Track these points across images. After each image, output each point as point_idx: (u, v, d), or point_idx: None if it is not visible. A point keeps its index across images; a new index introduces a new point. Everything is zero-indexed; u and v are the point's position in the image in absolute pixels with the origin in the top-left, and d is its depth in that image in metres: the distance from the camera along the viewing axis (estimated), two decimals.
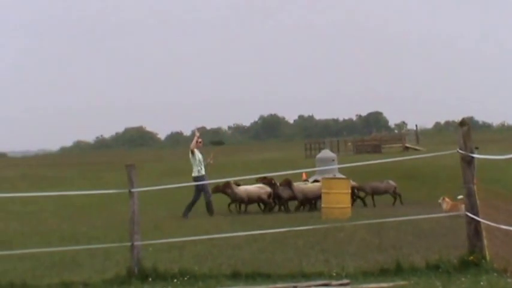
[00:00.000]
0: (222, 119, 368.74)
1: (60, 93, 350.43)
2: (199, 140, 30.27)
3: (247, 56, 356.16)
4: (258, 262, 15.63)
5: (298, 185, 29.37)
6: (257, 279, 14.23)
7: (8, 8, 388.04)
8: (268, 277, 14.32)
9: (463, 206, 24.56)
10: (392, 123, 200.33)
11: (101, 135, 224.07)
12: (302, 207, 29.56)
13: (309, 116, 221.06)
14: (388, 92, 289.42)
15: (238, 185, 29.50)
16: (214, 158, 31.61)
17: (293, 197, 29.36)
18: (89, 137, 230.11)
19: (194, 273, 14.69)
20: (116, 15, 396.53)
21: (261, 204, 29.84)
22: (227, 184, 28.84)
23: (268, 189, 29.17)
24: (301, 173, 36.03)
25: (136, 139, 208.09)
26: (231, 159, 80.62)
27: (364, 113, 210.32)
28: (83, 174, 69.07)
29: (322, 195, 27.07)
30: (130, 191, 15.35)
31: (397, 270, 14.20)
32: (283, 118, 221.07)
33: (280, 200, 29.59)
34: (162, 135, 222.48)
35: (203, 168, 29.37)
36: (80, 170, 77.36)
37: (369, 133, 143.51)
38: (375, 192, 30.55)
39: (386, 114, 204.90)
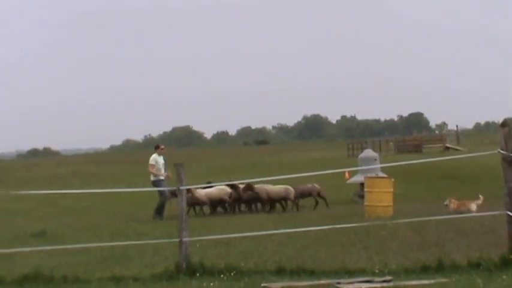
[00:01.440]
0: (266, 119, 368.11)
1: (109, 93, 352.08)
2: (162, 146, 30.46)
3: (291, 56, 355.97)
4: (301, 258, 15.61)
5: (262, 186, 29.29)
6: (301, 275, 14.20)
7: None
8: (312, 273, 14.29)
9: (472, 205, 25.33)
10: (433, 123, 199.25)
11: (149, 134, 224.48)
12: (268, 207, 29.74)
13: (351, 117, 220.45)
14: (429, 93, 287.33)
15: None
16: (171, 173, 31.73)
17: (254, 198, 29.48)
18: (138, 136, 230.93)
19: (240, 268, 14.69)
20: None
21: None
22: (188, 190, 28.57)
23: (228, 190, 29.24)
24: (344, 172, 35.98)
25: (183, 138, 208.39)
26: (276, 159, 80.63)
27: (405, 114, 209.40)
28: (132, 172, 69.34)
29: (365, 194, 27.06)
30: (178, 189, 15.40)
31: (439, 268, 14.12)
32: (326, 118, 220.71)
33: (240, 201, 29.87)
34: (208, 135, 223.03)
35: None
36: (129, 168, 77.67)
37: (410, 133, 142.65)
38: (300, 196, 30.08)
39: (428, 115, 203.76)
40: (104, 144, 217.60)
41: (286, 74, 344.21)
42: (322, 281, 13.30)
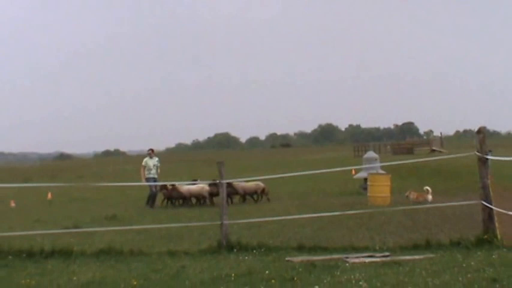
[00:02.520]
0: (289, 127, 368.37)
1: (167, 104, 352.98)
2: (150, 151, 30.92)
3: (309, 76, 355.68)
4: (317, 238, 15.60)
5: (238, 184, 29.13)
6: (317, 251, 14.18)
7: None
8: (325, 249, 14.27)
9: (428, 196, 25.47)
10: (422, 130, 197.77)
11: (197, 139, 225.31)
12: (243, 199, 29.67)
13: (356, 125, 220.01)
14: (418, 106, 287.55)
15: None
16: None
17: (233, 193, 29.14)
18: (187, 140, 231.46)
19: (268, 246, 14.70)
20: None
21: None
22: (173, 187, 29.26)
23: (207, 188, 29.02)
24: (351, 169, 35.94)
25: (223, 142, 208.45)
26: (296, 159, 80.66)
27: (399, 123, 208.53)
28: (181, 169, 69.50)
29: (368, 187, 27.15)
30: (220, 182, 15.44)
31: (427, 246, 14.09)
32: (337, 126, 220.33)
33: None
34: (243, 139, 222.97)
35: (152, 172, 29.97)
36: (180, 166, 77.89)
37: (403, 139, 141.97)
38: (246, 192, 29.76)
39: (417, 124, 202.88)
40: (161, 146, 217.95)
41: (305, 90, 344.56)
42: (334, 256, 13.28)
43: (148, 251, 14.73)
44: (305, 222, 18.68)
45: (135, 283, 11.05)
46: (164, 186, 29.41)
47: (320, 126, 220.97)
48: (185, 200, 29.53)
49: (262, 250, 14.37)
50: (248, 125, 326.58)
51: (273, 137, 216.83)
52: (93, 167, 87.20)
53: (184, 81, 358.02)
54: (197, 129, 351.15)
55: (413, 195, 25.81)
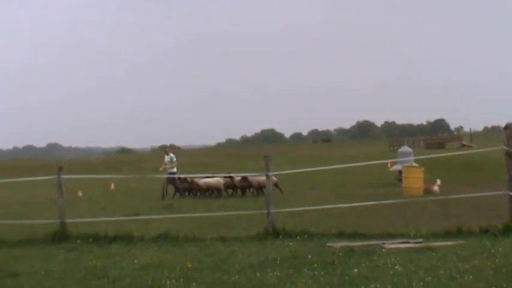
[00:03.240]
0: (330, 123, 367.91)
1: (216, 101, 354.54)
2: (166, 149, 33.90)
3: (346, 75, 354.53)
4: (356, 225, 15.51)
5: (253, 178, 29.26)
6: (356, 237, 14.17)
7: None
8: (364, 236, 14.25)
9: (435, 187, 26.15)
10: (452, 127, 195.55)
11: (245, 134, 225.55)
12: (256, 191, 29.63)
13: (392, 122, 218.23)
14: (449, 104, 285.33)
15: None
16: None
17: (247, 186, 29.66)
18: (236, 136, 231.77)
19: (311, 232, 14.70)
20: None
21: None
22: (192, 180, 30.01)
23: (222, 181, 29.75)
24: (387, 162, 35.74)
25: (269, 137, 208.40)
26: (336, 153, 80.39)
27: (432, 120, 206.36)
28: (231, 162, 69.72)
29: (403, 179, 27.11)
30: (267, 175, 15.47)
31: (458, 233, 14.01)
32: (373, 123, 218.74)
33: (235, 188, 30.16)
34: (287, 135, 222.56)
35: (168, 167, 31.12)
36: (229, 159, 78.16)
37: (435, 134, 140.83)
38: (261, 186, 29.01)
39: (448, 121, 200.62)
40: (212, 142, 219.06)
41: (344, 89, 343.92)
42: (372, 242, 13.26)
43: (202, 236, 14.82)
44: (344, 211, 18.65)
45: (189, 266, 11.13)
46: (184, 179, 30.05)
47: (358, 122, 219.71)
48: (202, 191, 29.99)
49: (305, 236, 14.39)
50: (292, 120, 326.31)
51: (314, 132, 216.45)
52: (151, 160, 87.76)
53: (238, 83, 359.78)
54: (245, 124, 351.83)
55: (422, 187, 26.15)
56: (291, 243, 13.58)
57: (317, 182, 32.92)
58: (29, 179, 30.18)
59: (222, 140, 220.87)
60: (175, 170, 30.57)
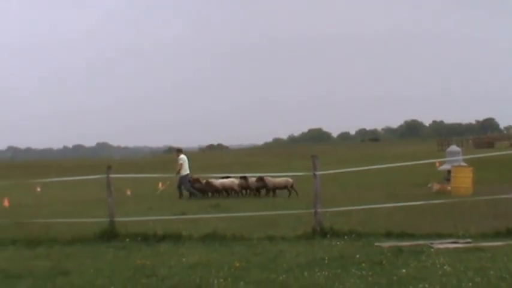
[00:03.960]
0: (378, 122, 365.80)
1: (262, 103, 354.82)
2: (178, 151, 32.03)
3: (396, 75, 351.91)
4: (404, 225, 15.41)
5: (269, 179, 29.27)
6: (404, 237, 14.08)
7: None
8: (412, 236, 14.15)
9: (448, 187, 26.32)
10: (502, 126, 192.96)
11: (292, 134, 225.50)
12: (271, 192, 29.34)
13: (440, 121, 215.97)
14: (498, 103, 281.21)
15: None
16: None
17: (262, 187, 29.49)
18: (283, 135, 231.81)
19: (359, 232, 14.65)
20: None
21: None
22: (207, 182, 30.16)
23: (236, 181, 29.87)
24: (435, 162, 35.39)
25: (316, 137, 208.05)
26: (384, 152, 79.86)
27: (480, 119, 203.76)
28: (278, 161, 69.81)
29: (452, 178, 26.90)
30: (314, 174, 15.44)
31: (507, 233, 13.86)
32: (421, 122, 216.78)
33: (249, 189, 30.01)
34: (334, 134, 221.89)
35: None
36: (276, 159, 78.24)
37: (484, 133, 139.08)
38: (276, 187, 29.31)
39: (498, 120, 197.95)
40: (259, 141, 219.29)
41: (392, 89, 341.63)
42: (420, 242, 13.16)
43: (249, 236, 14.86)
44: (392, 210, 18.51)
45: (237, 265, 11.18)
46: (197, 180, 30.27)
47: (406, 122, 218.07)
48: (218, 192, 30.13)
49: (353, 236, 14.35)
50: (339, 120, 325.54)
51: (362, 132, 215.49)
52: (199, 160, 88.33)
53: (285, 83, 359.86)
54: (293, 124, 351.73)
55: (436, 186, 26.68)
56: (338, 243, 13.55)
57: (365, 182, 32.75)
58: (79, 178, 30.85)
59: (269, 139, 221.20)
60: (183, 172, 30.40)
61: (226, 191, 30.06)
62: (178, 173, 30.09)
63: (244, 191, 30.13)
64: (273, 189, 29.31)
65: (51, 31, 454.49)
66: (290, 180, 29.13)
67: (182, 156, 30.73)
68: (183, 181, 29.87)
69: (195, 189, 29.95)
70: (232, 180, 29.92)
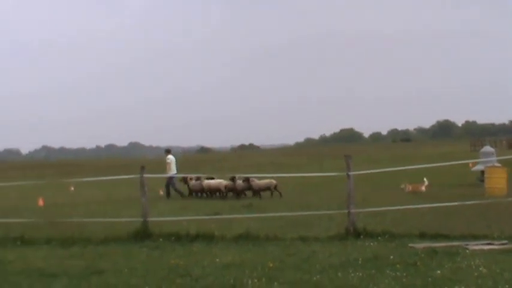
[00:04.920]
0: (410, 123, 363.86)
1: (293, 102, 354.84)
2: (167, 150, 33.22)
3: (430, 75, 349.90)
4: (438, 226, 15.32)
5: (253, 180, 29.47)
6: (438, 238, 13.99)
7: None
8: (446, 237, 14.06)
9: (422, 187, 26.71)
10: None
11: (324, 134, 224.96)
12: (258, 194, 29.36)
13: (472, 121, 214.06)
14: None
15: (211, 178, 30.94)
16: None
17: (247, 188, 29.63)
18: (315, 135, 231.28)
19: (392, 233, 14.59)
20: None
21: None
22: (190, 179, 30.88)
23: (224, 183, 29.78)
24: (469, 163, 35.07)
25: (347, 137, 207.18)
26: (416, 152, 79.37)
27: None
28: (310, 162, 69.68)
29: (486, 179, 26.67)
30: (348, 174, 15.39)
31: None
32: (454, 122, 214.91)
33: (235, 190, 29.87)
34: (366, 134, 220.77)
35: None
36: (308, 159, 78.08)
37: None
38: (260, 189, 29.39)
39: None
40: (291, 141, 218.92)
41: (424, 88, 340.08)
42: (454, 243, 13.06)
43: (282, 236, 14.85)
44: (426, 211, 18.39)
45: (271, 265, 11.18)
46: (186, 180, 31.04)
47: (438, 122, 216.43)
48: (203, 192, 30.65)
49: (386, 237, 14.30)
50: (371, 120, 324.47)
51: (394, 132, 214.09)
52: (231, 160, 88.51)
53: (316, 83, 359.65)
54: (324, 123, 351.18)
55: (408, 187, 27.09)
56: (372, 244, 13.50)
57: (397, 182, 32.51)
58: (113, 178, 31.04)
59: (301, 139, 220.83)
60: (170, 172, 31.28)
61: (212, 191, 30.46)
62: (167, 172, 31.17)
63: (230, 193, 30.36)
64: (257, 191, 29.62)
65: (80, 32, 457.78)
66: (274, 181, 29.54)
67: (170, 156, 31.92)
68: (169, 181, 30.91)
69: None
70: (220, 181, 30.16)
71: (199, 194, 30.72)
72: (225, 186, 29.73)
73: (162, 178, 30.86)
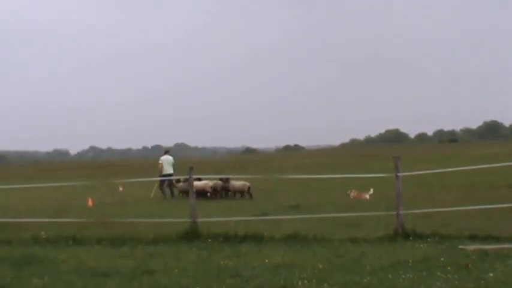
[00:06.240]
0: (455, 123, 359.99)
1: (344, 100, 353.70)
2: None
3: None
4: (489, 228, 15.10)
5: (231, 182, 30.36)
6: (489, 240, 13.81)
7: None
8: (497, 239, 13.89)
9: (366, 195, 26.57)
10: None
11: (369, 135, 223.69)
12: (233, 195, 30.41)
13: None
14: None
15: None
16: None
17: (227, 189, 30.42)
18: (360, 136, 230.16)
19: (442, 234, 14.45)
20: None
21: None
22: (178, 180, 31.17)
23: (210, 184, 30.33)
24: None
25: (393, 137, 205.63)
26: (463, 153, 78.45)
27: None
28: (354, 163, 69.31)
29: None
30: (396, 175, 15.28)
31: None
32: (501, 123, 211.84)
33: (228, 191, 30.69)
34: (412, 135, 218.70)
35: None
36: (353, 160, 77.68)
37: None
38: (236, 190, 30.23)
39: None
40: (336, 142, 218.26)
41: (471, 88, 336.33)
42: (505, 245, 12.87)
43: (330, 237, 14.81)
44: (475, 212, 18.08)
45: (320, 266, 11.15)
46: (178, 181, 31.34)
47: (485, 122, 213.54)
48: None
49: (436, 238, 14.16)
50: (416, 121, 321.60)
51: (440, 133, 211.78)
52: (276, 160, 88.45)
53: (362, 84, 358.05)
54: (369, 125, 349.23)
55: (353, 194, 26.98)
56: (421, 245, 13.38)
57: (444, 183, 32.15)
58: (161, 178, 31.24)
59: (346, 140, 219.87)
60: (163, 172, 32.25)
61: (199, 193, 30.46)
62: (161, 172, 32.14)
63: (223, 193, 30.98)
64: (233, 192, 30.43)
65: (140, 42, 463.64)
66: (247, 183, 30.20)
67: (163, 157, 32.81)
68: (163, 180, 31.66)
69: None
70: (206, 183, 30.53)
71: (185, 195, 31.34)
72: (211, 187, 30.42)
73: (215, 178, 31.14)
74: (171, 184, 32.02)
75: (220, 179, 30.30)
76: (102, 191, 37.69)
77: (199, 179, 30.43)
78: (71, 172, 77.39)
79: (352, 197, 26.69)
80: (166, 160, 32.43)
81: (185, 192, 30.99)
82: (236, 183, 30.27)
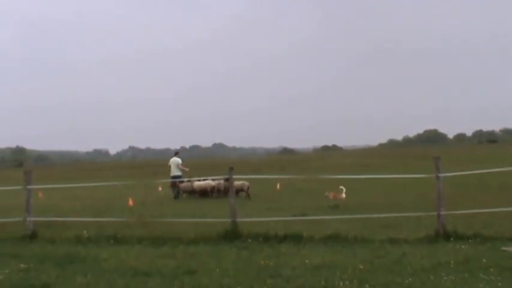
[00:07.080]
0: (495, 124, 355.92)
1: (378, 106, 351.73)
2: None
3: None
4: None
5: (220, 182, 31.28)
6: None
7: None
8: None
9: (342, 195, 26.31)
10: None
11: (407, 135, 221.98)
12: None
13: None
14: None
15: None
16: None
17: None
18: (399, 136, 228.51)
19: (483, 236, 14.28)
20: None
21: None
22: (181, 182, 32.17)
23: (212, 184, 31.63)
24: None
25: (431, 138, 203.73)
26: (503, 153, 77.46)
27: None
28: (392, 163, 68.88)
29: None
30: (437, 176, 15.15)
31: None
32: None
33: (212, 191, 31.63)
34: (450, 135, 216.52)
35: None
36: (391, 160, 77.21)
37: None
38: (236, 189, 29.13)
39: None
40: (374, 142, 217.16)
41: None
42: None
43: (370, 238, 14.72)
44: None
45: (361, 267, 11.08)
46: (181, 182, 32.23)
47: None
48: (195, 193, 32.16)
49: (477, 240, 13.98)
50: (454, 122, 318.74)
51: (479, 133, 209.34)
52: (315, 160, 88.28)
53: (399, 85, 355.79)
54: (407, 125, 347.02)
55: (331, 195, 26.65)
56: (463, 246, 13.23)
57: (485, 184, 31.78)
58: (200, 178, 31.38)
59: (384, 140, 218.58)
60: (171, 173, 33.13)
61: (203, 192, 31.73)
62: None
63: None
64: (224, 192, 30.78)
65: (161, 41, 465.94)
66: (246, 183, 31.00)
67: (172, 159, 33.88)
68: (173, 182, 32.29)
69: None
70: (208, 182, 31.44)
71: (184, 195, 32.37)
72: (213, 187, 31.41)
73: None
74: (174, 185, 32.61)
75: (225, 179, 30.28)
76: (141, 191, 38.03)
77: (205, 179, 31.69)
78: (110, 172, 78.16)
79: (331, 198, 26.62)
80: (174, 162, 33.33)
81: (188, 192, 32.40)
82: (236, 183, 30.13)
